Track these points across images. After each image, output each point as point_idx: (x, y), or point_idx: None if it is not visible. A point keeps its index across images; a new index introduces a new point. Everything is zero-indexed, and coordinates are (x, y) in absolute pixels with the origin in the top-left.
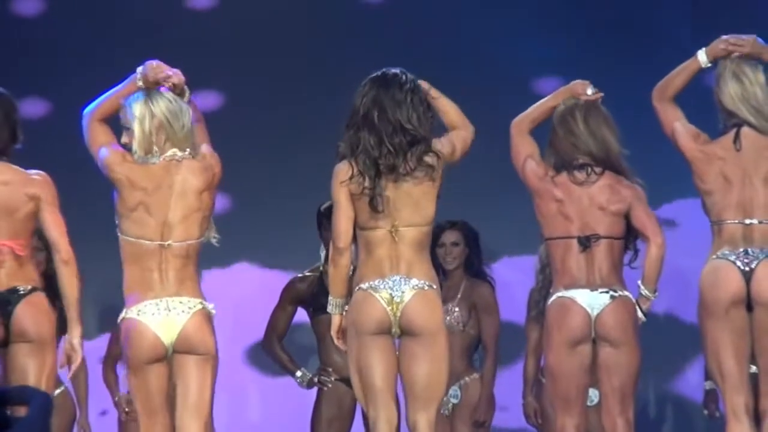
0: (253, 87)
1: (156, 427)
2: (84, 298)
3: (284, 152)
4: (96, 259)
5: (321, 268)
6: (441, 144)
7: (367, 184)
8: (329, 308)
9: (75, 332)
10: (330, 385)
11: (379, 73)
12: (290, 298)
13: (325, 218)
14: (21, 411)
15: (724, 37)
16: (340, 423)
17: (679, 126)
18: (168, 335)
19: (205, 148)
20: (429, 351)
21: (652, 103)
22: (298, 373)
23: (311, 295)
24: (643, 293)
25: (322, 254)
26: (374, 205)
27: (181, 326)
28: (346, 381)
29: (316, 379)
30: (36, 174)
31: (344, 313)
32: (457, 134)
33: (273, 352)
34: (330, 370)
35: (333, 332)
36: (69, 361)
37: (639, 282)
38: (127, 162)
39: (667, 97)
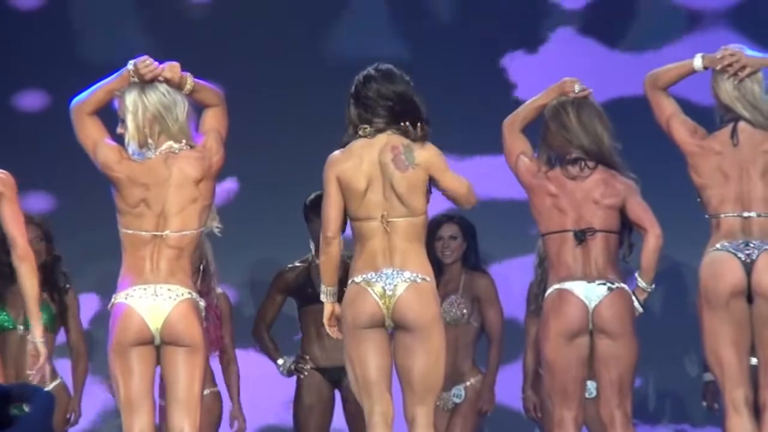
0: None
1: (134, 421)
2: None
3: (285, 141)
4: (96, 252)
5: (310, 260)
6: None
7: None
8: (322, 297)
9: (36, 332)
10: (306, 373)
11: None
12: (279, 287)
13: (310, 211)
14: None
15: (729, 49)
16: (320, 410)
17: (676, 120)
18: (154, 321)
19: (210, 136)
20: (424, 345)
21: (645, 89)
22: (280, 361)
23: (298, 286)
24: (641, 285)
25: (312, 246)
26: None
27: (167, 313)
28: (322, 371)
29: (293, 367)
30: None
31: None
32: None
33: (260, 340)
34: (307, 357)
35: (325, 320)
36: (33, 363)
37: (636, 274)
38: (125, 160)
39: (659, 87)
